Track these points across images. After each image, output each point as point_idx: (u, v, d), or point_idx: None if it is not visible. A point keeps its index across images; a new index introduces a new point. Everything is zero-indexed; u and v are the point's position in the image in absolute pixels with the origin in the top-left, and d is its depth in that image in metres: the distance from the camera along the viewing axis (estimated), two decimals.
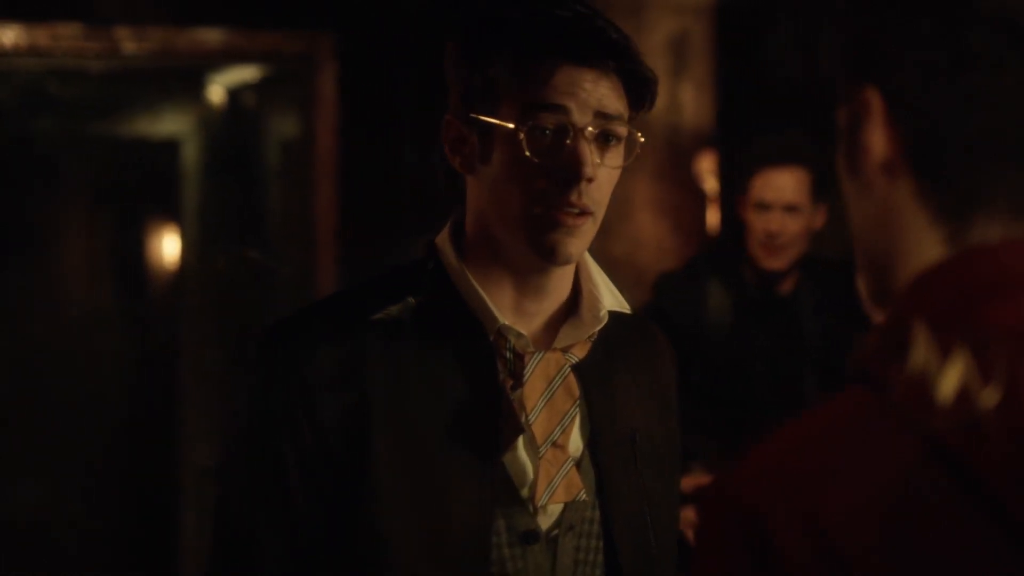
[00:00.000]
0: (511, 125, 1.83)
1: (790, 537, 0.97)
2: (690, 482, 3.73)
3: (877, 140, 1.13)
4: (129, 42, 5.43)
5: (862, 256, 1.19)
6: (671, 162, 5.09)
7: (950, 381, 0.99)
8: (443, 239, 1.94)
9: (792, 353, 4.05)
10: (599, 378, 1.96)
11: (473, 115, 1.87)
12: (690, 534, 3.73)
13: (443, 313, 1.89)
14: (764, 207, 4.02)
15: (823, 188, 4.08)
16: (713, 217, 5.48)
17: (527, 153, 1.81)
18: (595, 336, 1.95)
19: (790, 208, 4.01)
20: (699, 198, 5.29)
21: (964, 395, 0.98)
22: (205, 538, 5.87)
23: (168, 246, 6.98)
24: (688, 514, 3.74)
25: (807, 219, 4.05)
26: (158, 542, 7.06)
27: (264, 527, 1.86)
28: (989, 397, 0.97)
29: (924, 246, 1.11)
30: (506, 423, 1.86)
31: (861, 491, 0.98)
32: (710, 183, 5.35)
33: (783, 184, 4.02)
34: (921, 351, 1.01)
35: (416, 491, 1.83)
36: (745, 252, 4.09)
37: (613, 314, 1.97)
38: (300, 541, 1.85)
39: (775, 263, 4.03)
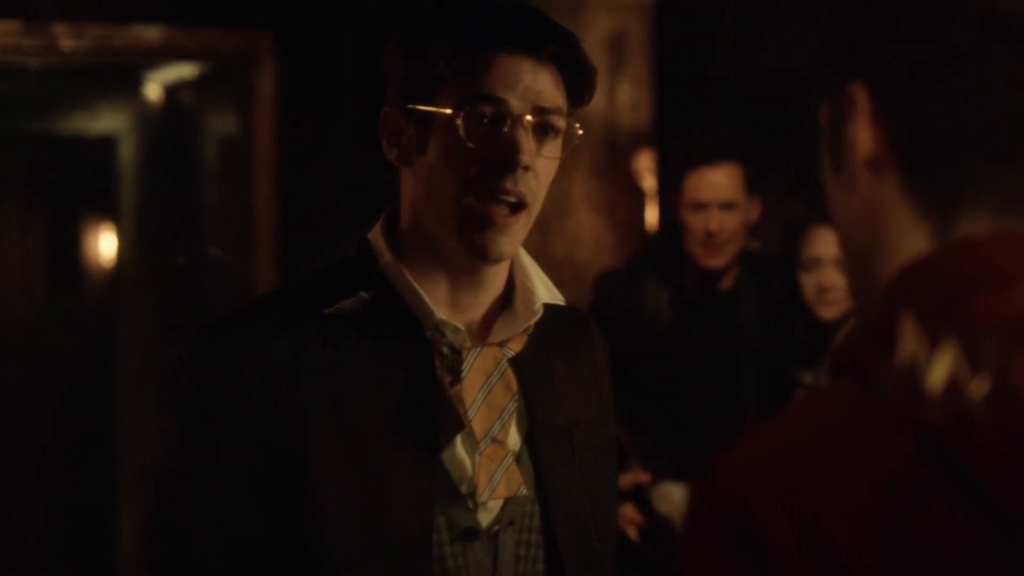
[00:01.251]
0: (448, 111, 1.82)
1: (782, 532, 0.98)
2: (628, 479, 3.75)
3: (863, 136, 1.14)
4: (67, 39, 5.39)
5: (845, 251, 1.20)
6: (609, 160, 5.10)
7: (939, 373, 0.99)
8: (376, 235, 1.93)
9: (733, 349, 4.06)
10: (536, 371, 1.95)
11: (411, 105, 1.86)
12: (631, 531, 3.76)
13: (380, 309, 1.88)
14: (700, 206, 4.01)
15: (756, 181, 4.10)
16: (652, 215, 5.50)
17: (464, 137, 1.80)
18: (531, 329, 1.94)
19: (727, 205, 4.01)
20: (637, 196, 5.31)
21: (953, 387, 0.99)
22: (141, 538, 5.80)
23: (104, 244, 6.93)
24: (627, 511, 3.75)
25: (743, 214, 4.06)
26: (94, 542, 7.01)
27: (203, 528, 1.84)
28: (978, 389, 0.98)
29: (910, 241, 1.12)
30: (446, 419, 1.85)
31: (854, 486, 0.99)
32: (648, 181, 5.36)
33: (717, 182, 4.01)
34: (910, 343, 1.02)
35: (356, 489, 1.82)
36: (683, 251, 4.09)
37: (548, 307, 1.96)
38: (240, 541, 1.83)
39: (715, 261, 4.04)
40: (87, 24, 5.43)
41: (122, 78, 6.48)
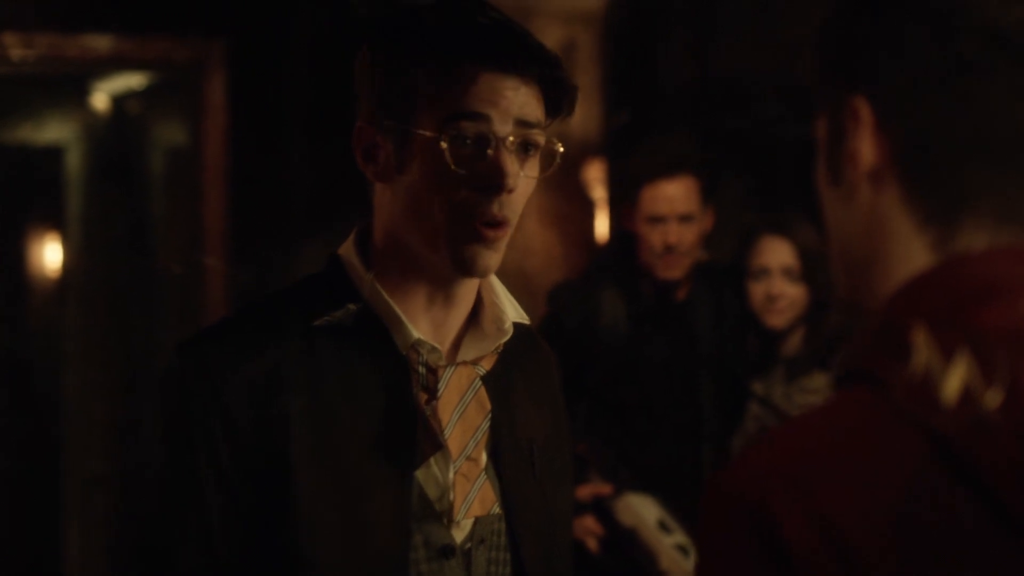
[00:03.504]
0: (432, 134, 1.81)
1: (803, 535, 1.00)
2: (587, 490, 3.76)
3: (866, 148, 1.16)
4: (16, 48, 5.36)
5: (840, 261, 1.22)
6: (559, 170, 5.09)
7: (953, 382, 1.02)
8: (348, 251, 1.93)
9: (688, 358, 4.08)
10: (500, 389, 1.96)
11: (389, 122, 1.85)
12: (591, 542, 3.77)
13: (355, 326, 1.88)
14: (658, 219, 4.02)
15: (711, 191, 4.12)
16: (601, 225, 5.52)
17: (450, 162, 1.80)
18: (501, 347, 1.95)
19: (684, 218, 4.03)
20: (587, 206, 5.33)
21: (967, 395, 1.02)
22: (88, 549, 5.73)
23: (51, 253, 6.88)
24: (587, 522, 3.76)
25: (700, 225, 4.08)
26: (41, 553, 6.96)
27: (182, 545, 1.84)
28: (992, 398, 1.01)
29: (910, 251, 1.14)
30: (423, 438, 1.86)
31: (872, 491, 1.01)
32: (598, 191, 5.39)
33: (674, 195, 4.02)
34: (923, 353, 1.04)
35: (335, 506, 1.83)
36: (638, 262, 4.10)
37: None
38: (219, 561, 1.83)
39: (673, 273, 4.05)
40: (37, 33, 5.40)
41: (71, 87, 6.45)
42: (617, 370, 4.00)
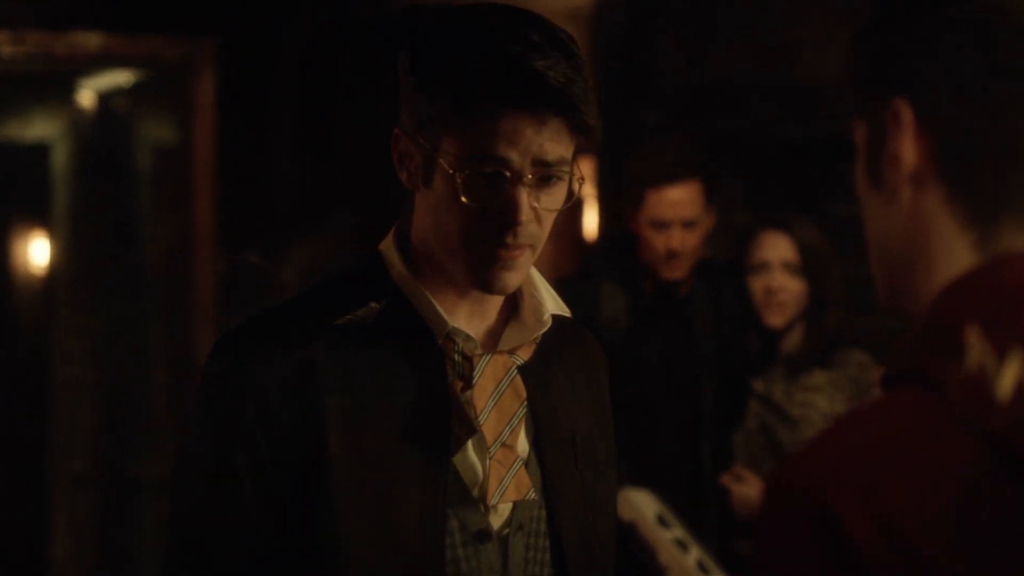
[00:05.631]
0: (450, 170, 1.82)
1: (865, 532, 1.02)
2: None
3: (908, 150, 1.17)
4: (6, 46, 5.35)
5: (881, 264, 1.23)
6: None
7: (1008, 381, 1.03)
8: (388, 246, 1.97)
9: (688, 355, 4.10)
10: (540, 380, 1.99)
11: (420, 137, 1.87)
12: None
13: (391, 319, 1.91)
14: (662, 224, 4.04)
15: (713, 194, 4.14)
16: (590, 222, 5.54)
17: (463, 199, 1.81)
18: (539, 339, 1.98)
19: (688, 223, 4.05)
20: (576, 204, 5.34)
21: (1022, 394, 1.03)
22: (74, 547, 5.73)
23: (37, 251, 6.86)
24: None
25: (702, 228, 4.10)
26: (27, 551, 6.95)
27: (218, 539, 1.87)
28: None
29: (952, 253, 1.15)
30: (458, 425, 1.89)
31: (930, 489, 1.02)
32: (587, 189, 5.40)
33: (679, 199, 4.03)
34: (976, 352, 1.05)
35: (371, 494, 1.86)
36: (640, 262, 4.11)
37: (553, 318, 1.99)
38: (255, 552, 1.86)
39: (675, 274, 4.07)
40: (27, 31, 5.40)
41: (59, 85, 6.44)
42: (617, 366, 4.01)
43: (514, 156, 1.80)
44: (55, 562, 6.77)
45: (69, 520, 6.65)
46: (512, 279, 1.88)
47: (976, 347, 1.06)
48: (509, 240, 1.84)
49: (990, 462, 1.03)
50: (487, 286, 1.88)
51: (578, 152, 1.90)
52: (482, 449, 1.91)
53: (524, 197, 1.82)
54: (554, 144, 1.82)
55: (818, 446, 1.12)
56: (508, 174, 1.81)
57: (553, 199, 1.86)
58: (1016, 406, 1.03)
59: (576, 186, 1.90)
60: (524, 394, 1.95)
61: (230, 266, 5.55)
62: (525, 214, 1.82)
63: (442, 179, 1.85)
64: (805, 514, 1.05)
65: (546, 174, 1.83)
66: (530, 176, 1.81)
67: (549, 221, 1.88)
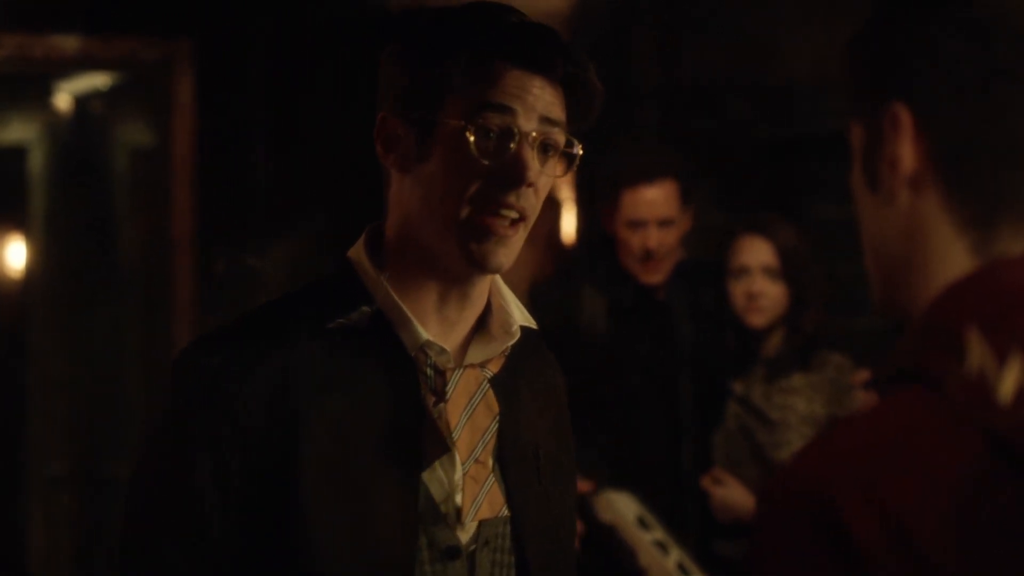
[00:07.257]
0: (459, 122, 1.85)
1: (868, 527, 1.02)
2: None
3: (906, 153, 1.18)
4: None
5: (877, 266, 1.24)
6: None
7: (1009, 382, 1.04)
8: (358, 252, 1.95)
9: (668, 357, 4.10)
10: (508, 393, 1.98)
11: (415, 112, 1.88)
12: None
13: (367, 329, 1.89)
14: (638, 224, 4.05)
15: (689, 195, 4.14)
16: (568, 226, 5.54)
17: (474, 151, 1.84)
18: (508, 351, 1.97)
19: (664, 222, 4.05)
20: (554, 206, 5.34)
21: (1023, 396, 1.04)
22: (52, 547, 5.71)
23: (14, 253, 6.84)
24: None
25: (679, 229, 4.11)
26: (3, 551, 6.93)
27: (171, 542, 1.84)
28: None
29: (950, 255, 1.16)
30: (430, 440, 1.87)
31: (932, 487, 1.03)
32: (564, 191, 5.40)
33: (655, 199, 4.04)
34: (977, 354, 1.06)
35: (342, 507, 1.84)
36: (618, 264, 4.12)
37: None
38: (212, 559, 1.83)
39: (654, 278, 4.08)
40: (3, 34, 5.38)
41: (36, 87, 6.42)
42: (597, 368, 4.02)
43: (520, 109, 1.86)
44: (33, 562, 6.75)
45: (45, 520, 6.63)
46: (504, 256, 1.87)
47: (976, 350, 1.07)
48: (512, 200, 1.84)
49: (990, 461, 1.04)
50: (481, 262, 1.86)
51: (579, 127, 1.94)
52: (452, 465, 1.90)
53: (531, 155, 1.85)
54: (556, 106, 1.89)
55: (820, 446, 1.12)
56: (516, 132, 1.84)
57: (552, 166, 1.90)
58: (1017, 408, 1.04)
59: (576, 156, 1.93)
60: (496, 408, 1.94)
61: (225, 265, 5.54)
62: (533, 172, 1.84)
63: (444, 145, 1.87)
64: (807, 513, 1.06)
65: (547, 137, 1.87)
66: (535, 135, 1.85)
67: (543, 194, 1.90)
